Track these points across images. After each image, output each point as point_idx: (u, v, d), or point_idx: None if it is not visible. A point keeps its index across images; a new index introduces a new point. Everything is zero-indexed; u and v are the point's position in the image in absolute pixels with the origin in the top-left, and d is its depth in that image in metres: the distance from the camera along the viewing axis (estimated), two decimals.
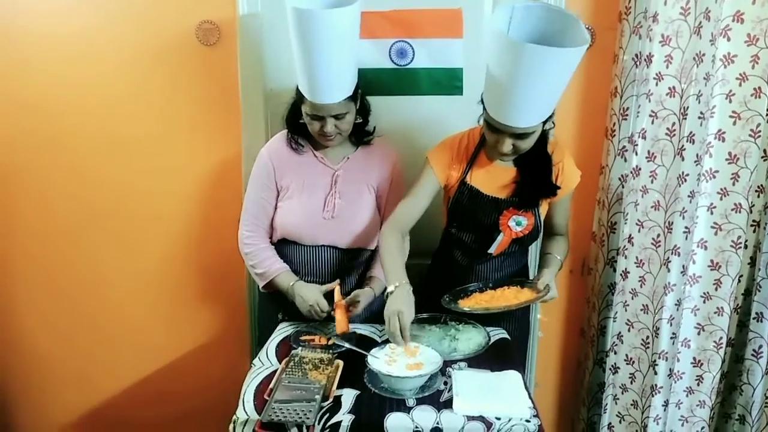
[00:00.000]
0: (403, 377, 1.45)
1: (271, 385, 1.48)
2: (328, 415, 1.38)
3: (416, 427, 1.36)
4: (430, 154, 1.83)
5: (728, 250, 1.89)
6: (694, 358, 2.01)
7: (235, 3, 2.08)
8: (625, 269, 2.07)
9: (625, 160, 2.06)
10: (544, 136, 1.73)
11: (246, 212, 1.92)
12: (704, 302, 1.96)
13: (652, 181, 1.98)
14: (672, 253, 1.95)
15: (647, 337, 2.07)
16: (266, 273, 1.87)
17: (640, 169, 1.99)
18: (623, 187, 2.07)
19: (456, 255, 1.91)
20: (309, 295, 1.79)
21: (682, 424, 2.07)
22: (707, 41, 1.79)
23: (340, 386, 1.48)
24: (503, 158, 1.75)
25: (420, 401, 1.43)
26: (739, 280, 1.95)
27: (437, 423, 1.36)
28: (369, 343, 1.69)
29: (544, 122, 1.65)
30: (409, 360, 1.53)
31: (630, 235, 2.05)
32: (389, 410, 1.40)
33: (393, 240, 1.73)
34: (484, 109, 1.67)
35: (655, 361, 2.04)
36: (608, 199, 2.14)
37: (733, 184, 1.85)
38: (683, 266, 1.94)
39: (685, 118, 1.88)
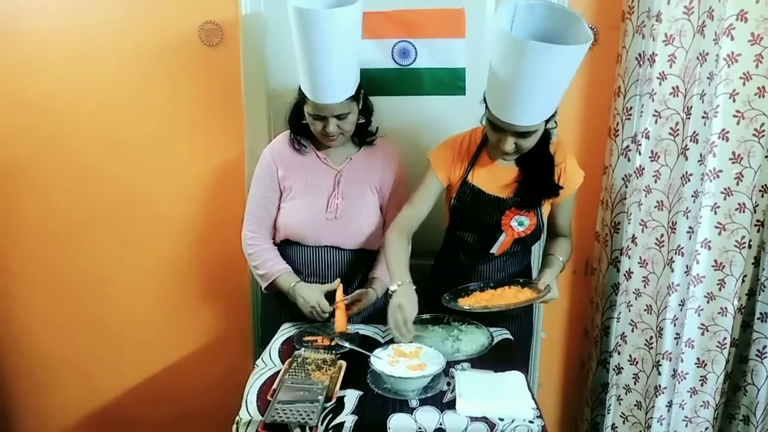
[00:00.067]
0: (406, 378, 1.45)
1: (274, 386, 1.47)
2: (331, 415, 1.37)
3: (419, 428, 1.35)
4: (432, 154, 1.83)
5: (732, 250, 1.89)
6: (698, 359, 2.00)
7: (238, 3, 2.08)
8: (629, 269, 2.07)
9: (629, 160, 2.05)
10: (546, 136, 1.73)
11: (249, 213, 1.92)
12: (708, 302, 1.95)
13: (655, 181, 1.98)
14: (676, 253, 1.94)
15: (651, 338, 2.06)
16: (268, 274, 1.87)
17: (643, 168, 1.99)
18: (626, 186, 2.07)
19: (459, 255, 1.91)
20: (310, 296, 1.80)
21: (686, 425, 2.06)
22: (711, 40, 1.78)
23: (343, 387, 1.48)
24: (505, 157, 1.74)
25: (423, 402, 1.43)
26: (743, 280, 1.95)
27: (440, 424, 1.36)
28: (372, 344, 1.68)
29: (547, 121, 1.65)
30: (412, 361, 1.53)
31: (633, 235, 2.04)
32: (392, 411, 1.39)
33: (398, 242, 1.75)
34: (487, 107, 1.67)
35: (658, 361, 2.03)
36: (611, 199, 2.14)
37: (737, 183, 1.84)
38: (687, 266, 1.94)
39: (689, 118, 1.88)
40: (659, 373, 2.04)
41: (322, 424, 1.35)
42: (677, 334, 1.99)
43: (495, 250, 1.85)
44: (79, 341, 2.48)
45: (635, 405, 2.16)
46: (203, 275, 2.39)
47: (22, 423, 2.60)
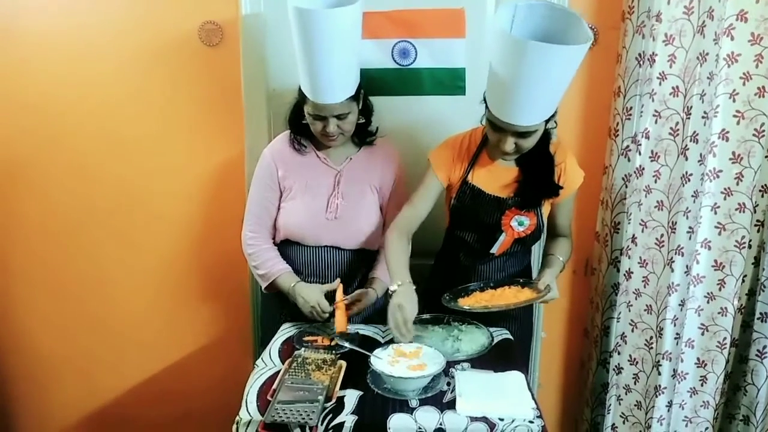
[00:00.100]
0: (406, 378, 1.45)
1: (274, 386, 1.47)
2: (331, 415, 1.37)
3: (419, 428, 1.35)
4: (431, 154, 1.83)
5: (732, 250, 1.89)
6: (698, 359, 2.00)
7: (238, 3, 2.08)
8: (629, 269, 2.07)
9: (629, 160, 2.05)
10: (546, 136, 1.73)
11: (249, 213, 1.92)
12: (708, 302, 1.95)
13: (655, 181, 1.98)
14: (676, 253, 1.94)
15: (651, 338, 2.06)
16: (268, 274, 1.87)
17: (643, 168, 1.99)
18: (626, 187, 2.07)
19: (459, 255, 1.91)
20: (310, 296, 1.80)
21: (686, 425, 2.06)
22: (711, 40, 1.78)
23: (343, 387, 1.47)
24: (505, 157, 1.74)
25: (423, 402, 1.43)
26: (743, 280, 1.95)
27: (440, 424, 1.36)
28: (372, 344, 1.68)
29: (547, 121, 1.65)
30: (412, 361, 1.53)
31: (633, 235, 2.04)
32: (392, 411, 1.39)
33: (398, 242, 1.75)
34: (487, 107, 1.67)
35: (658, 361, 2.03)
36: (612, 199, 2.14)
37: (737, 183, 1.84)
38: (687, 266, 1.94)
39: (689, 118, 1.87)
40: (659, 373, 2.04)
41: (322, 424, 1.35)
42: (677, 334, 1.99)
43: (495, 250, 1.85)
44: (79, 341, 2.48)
45: (635, 405, 2.16)
46: (203, 275, 2.39)
47: (22, 423, 2.60)
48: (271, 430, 1.34)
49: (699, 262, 1.92)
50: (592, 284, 2.30)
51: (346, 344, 1.65)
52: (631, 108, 2.02)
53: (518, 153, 1.70)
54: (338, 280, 1.83)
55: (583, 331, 2.37)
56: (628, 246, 2.06)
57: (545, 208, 1.83)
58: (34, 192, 2.32)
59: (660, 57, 1.89)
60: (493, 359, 1.64)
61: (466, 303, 1.72)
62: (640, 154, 1.99)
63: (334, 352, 1.64)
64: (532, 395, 1.47)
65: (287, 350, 1.69)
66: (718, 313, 1.94)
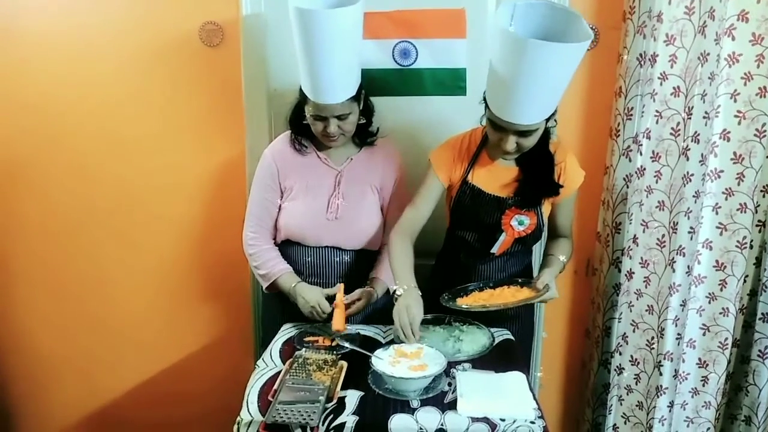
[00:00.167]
0: (407, 378, 1.44)
1: (275, 387, 1.47)
2: (332, 416, 1.37)
3: (420, 429, 1.35)
4: (432, 155, 1.83)
5: (733, 251, 1.88)
6: (700, 359, 2.00)
7: (239, 4, 2.08)
8: (630, 270, 2.06)
9: (630, 160, 2.05)
10: (546, 135, 1.73)
11: (250, 213, 1.92)
12: (709, 303, 1.95)
13: (656, 181, 1.97)
14: (677, 254, 1.94)
15: (652, 338, 2.06)
16: (269, 274, 1.87)
17: (644, 169, 1.99)
18: (628, 187, 2.07)
19: (459, 255, 1.90)
20: (311, 296, 1.80)
21: (688, 425, 2.06)
22: (712, 40, 1.78)
23: (344, 387, 1.47)
24: (506, 157, 1.74)
25: (424, 402, 1.43)
26: (745, 281, 1.95)
27: (441, 424, 1.36)
28: (373, 345, 1.68)
29: (547, 120, 1.65)
30: (413, 361, 1.53)
31: (635, 236, 2.04)
32: (393, 411, 1.39)
33: (402, 245, 1.74)
34: (487, 107, 1.67)
35: (660, 361, 2.03)
36: (613, 199, 2.13)
37: (738, 183, 1.84)
38: (688, 267, 1.94)
39: (690, 118, 1.87)
40: (661, 374, 2.03)
41: (323, 425, 1.35)
42: (679, 334, 1.99)
43: (495, 249, 1.84)
44: (79, 341, 2.47)
45: (637, 405, 2.16)
46: (204, 275, 2.39)
47: (22, 423, 2.60)
48: (272, 430, 1.34)
49: (700, 263, 1.92)
50: (593, 284, 2.30)
51: (347, 345, 1.65)
52: (632, 108, 2.02)
53: (519, 152, 1.70)
54: (341, 285, 1.81)
55: (585, 331, 2.37)
56: (629, 246, 2.06)
57: (546, 208, 1.83)
58: (34, 192, 2.32)
59: (661, 57, 1.89)
60: (494, 360, 1.63)
61: (464, 302, 1.72)
62: (641, 154, 1.99)
63: (335, 352, 1.64)
64: (534, 395, 1.47)
65: (288, 351, 1.69)
66: (720, 313, 1.94)
